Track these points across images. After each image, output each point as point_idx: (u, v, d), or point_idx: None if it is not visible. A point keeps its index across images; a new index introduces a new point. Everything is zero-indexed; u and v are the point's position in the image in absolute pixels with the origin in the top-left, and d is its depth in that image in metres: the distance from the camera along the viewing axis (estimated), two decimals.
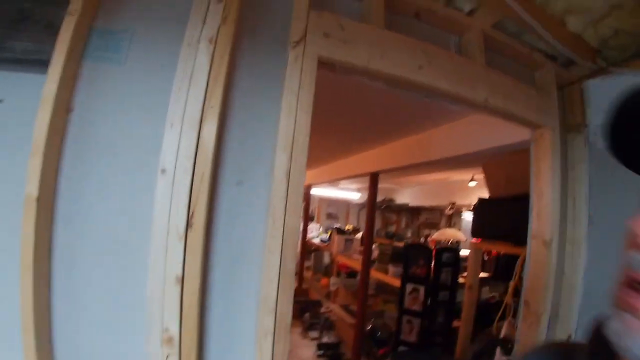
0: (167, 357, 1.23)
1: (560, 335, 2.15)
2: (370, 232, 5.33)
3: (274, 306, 1.39)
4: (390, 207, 10.14)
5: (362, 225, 11.99)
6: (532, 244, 2.12)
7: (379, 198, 10.73)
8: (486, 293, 4.83)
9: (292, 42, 1.49)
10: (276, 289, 1.39)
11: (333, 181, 7.29)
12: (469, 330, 3.98)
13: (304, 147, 1.45)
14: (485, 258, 5.35)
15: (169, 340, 1.23)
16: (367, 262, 5.29)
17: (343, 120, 3.95)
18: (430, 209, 8.68)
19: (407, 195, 10.21)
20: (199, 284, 1.27)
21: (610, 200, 2.12)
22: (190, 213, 1.27)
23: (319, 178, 7.85)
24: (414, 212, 9.23)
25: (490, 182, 3.79)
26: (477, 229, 3.90)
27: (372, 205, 5.27)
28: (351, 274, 7.75)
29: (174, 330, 1.23)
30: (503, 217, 3.16)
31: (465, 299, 4.08)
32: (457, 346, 4.09)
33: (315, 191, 10.66)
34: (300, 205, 1.47)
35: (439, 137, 3.82)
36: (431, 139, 3.96)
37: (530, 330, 2.03)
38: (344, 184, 9.57)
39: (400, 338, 4.76)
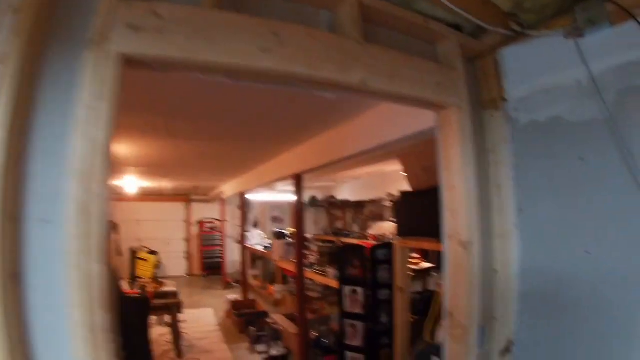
0: None
1: (499, 341, 1.87)
2: (301, 234, 5.05)
3: None
4: (335, 203, 9.96)
5: (309, 225, 11.72)
6: (449, 246, 1.82)
7: (321, 196, 10.50)
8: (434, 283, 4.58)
9: (88, 41, 1.16)
10: (87, 348, 1.09)
11: (262, 186, 6.94)
12: (405, 334, 3.69)
13: (103, 173, 1.13)
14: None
15: None
16: (300, 267, 5.03)
17: (249, 124, 3.70)
18: (374, 202, 8.45)
19: (346, 190, 10.00)
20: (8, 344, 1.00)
21: (542, 182, 1.84)
22: None
23: (250, 184, 7.50)
24: (359, 206, 8.98)
25: (408, 174, 3.53)
26: (402, 225, 3.66)
27: (299, 207, 4.96)
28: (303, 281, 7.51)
29: None
30: (425, 211, 2.89)
31: (396, 302, 3.80)
32: (395, 352, 3.80)
33: (253, 197, 10.30)
34: (104, 246, 1.12)
35: (352, 131, 3.54)
36: (344, 135, 3.68)
37: (458, 346, 1.73)
38: (281, 185, 9.25)
39: (345, 343, 4.49)
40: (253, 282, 10.20)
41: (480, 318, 1.76)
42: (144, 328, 3.72)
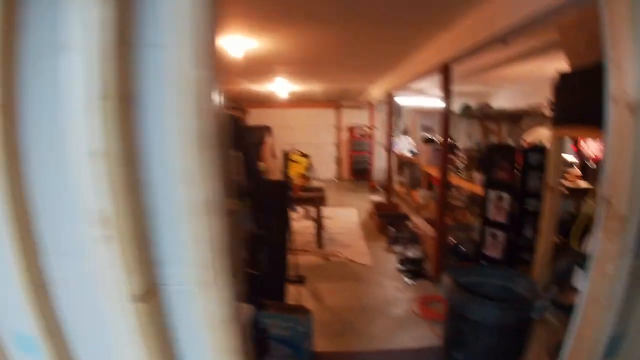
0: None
1: None
2: (447, 135, 4.73)
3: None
4: (489, 115, 9.30)
5: (461, 138, 11.21)
6: (613, 113, 1.38)
7: (474, 104, 9.83)
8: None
9: None
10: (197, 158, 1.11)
11: (409, 81, 6.55)
12: (548, 244, 3.25)
13: None
14: (591, 165, 4.50)
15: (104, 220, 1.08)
16: (444, 170, 4.76)
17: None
18: (531, 114, 7.72)
19: (502, 97, 9.21)
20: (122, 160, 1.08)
21: None
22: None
23: (397, 82, 7.23)
24: (514, 118, 8.25)
25: (568, 49, 2.94)
26: (559, 112, 3.13)
27: (447, 105, 4.59)
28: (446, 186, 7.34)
29: (108, 208, 1.07)
30: (587, 94, 2.40)
31: (545, 204, 3.30)
32: (535, 264, 3.37)
33: (402, 101, 10.02)
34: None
35: (501, 4, 3.07)
36: (492, 10, 3.22)
37: (610, 242, 1.39)
38: (429, 90, 8.82)
39: (484, 253, 4.26)
40: (398, 188, 10.13)
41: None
42: (282, 210, 3.74)
